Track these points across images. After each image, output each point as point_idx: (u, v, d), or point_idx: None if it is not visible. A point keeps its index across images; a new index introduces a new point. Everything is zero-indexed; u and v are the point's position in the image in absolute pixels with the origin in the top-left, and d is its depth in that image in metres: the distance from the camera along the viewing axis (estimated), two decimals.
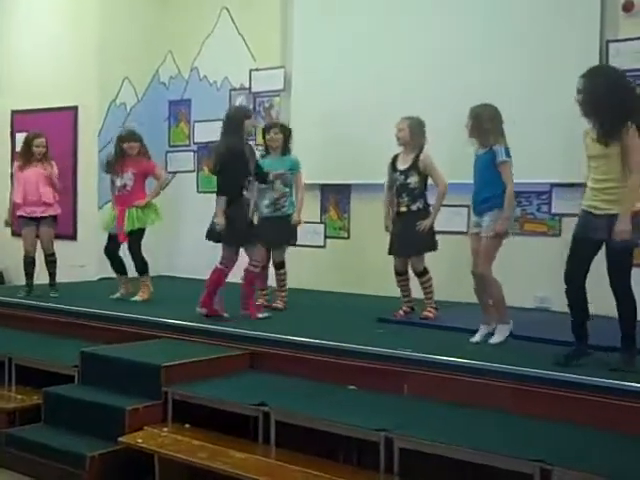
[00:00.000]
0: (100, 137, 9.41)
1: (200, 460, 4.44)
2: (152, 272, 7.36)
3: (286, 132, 7.01)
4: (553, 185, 7.09)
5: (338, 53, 8.29)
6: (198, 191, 9.51)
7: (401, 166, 6.35)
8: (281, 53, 8.88)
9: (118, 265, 7.39)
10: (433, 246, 6.35)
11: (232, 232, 6.20)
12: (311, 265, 8.13)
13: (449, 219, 7.10)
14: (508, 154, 5.35)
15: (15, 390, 5.91)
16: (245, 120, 6.37)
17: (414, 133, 6.31)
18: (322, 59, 8.43)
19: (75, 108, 9.63)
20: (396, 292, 6.53)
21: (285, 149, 6.96)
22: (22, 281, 7.67)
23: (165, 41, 9.72)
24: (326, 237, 8.40)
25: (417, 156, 6.29)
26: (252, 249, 6.34)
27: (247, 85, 9.13)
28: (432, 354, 4.99)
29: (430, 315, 6.33)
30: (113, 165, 7.30)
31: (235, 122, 6.33)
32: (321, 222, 8.50)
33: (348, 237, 8.34)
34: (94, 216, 8.95)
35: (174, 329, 6.10)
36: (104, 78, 9.45)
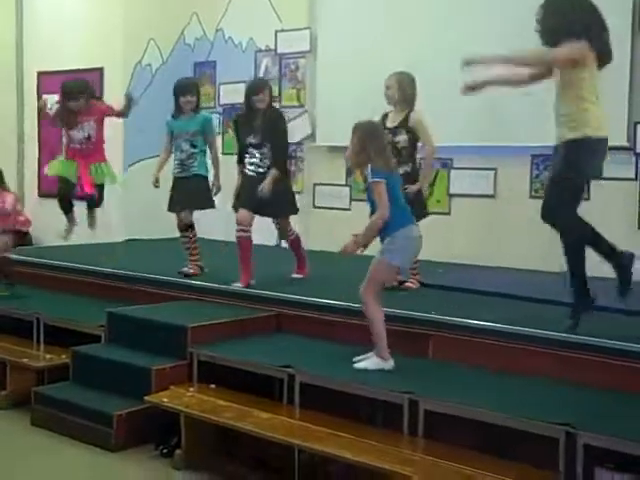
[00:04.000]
0: None
1: (225, 420, 4.48)
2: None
3: (198, 90, 6.72)
4: None
5: (365, 13, 8.19)
6: (223, 153, 9.49)
7: (390, 124, 5.99)
8: (307, 14, 8.78)
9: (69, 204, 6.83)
10: (422, 214, 5.77)
11: None
12: (337, 228, 8.11)
13: (474, 183, 7.07)
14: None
15: (44, 349, 5.99)
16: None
17: (404, 90, 5.98)
18: (349, 20, 8.33)
19: (101, 69, 9.61)
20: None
21: (197, 108, 6.60)
22: (49, 242, 7.68)
23: (190, 2, 9.65)
24: (352, 200, 8.37)
25: (408, 114, 5.96)
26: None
27: (273, 46, 9.06)
28: (459, 317, 4.97)
29: None
30: (66, 117, 6.65)
31: None
32: (347, 185, 8.47)
33: None
34: (120, 178, 8.96)
35: (201, 291, 6.12)
36: (130, 39, 9.42)
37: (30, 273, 7.20)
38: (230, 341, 5.27)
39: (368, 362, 4.66)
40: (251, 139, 6.16)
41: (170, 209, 6.51)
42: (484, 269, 6.91)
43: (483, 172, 7.37)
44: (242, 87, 9.11)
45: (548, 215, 4.52)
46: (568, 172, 4.39)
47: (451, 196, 7.70)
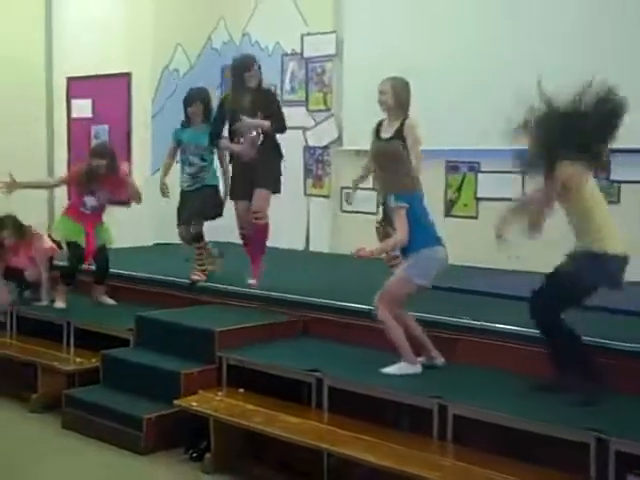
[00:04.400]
0: (154, 103, 9.48)
1: (254, 424, 4.50)
2: (208, 237, 7.34)
3: (206, 100, 6.58)
4: (611, 151, 6.93)
5: (391, 16, 8.18)
6: None
7: (385, 134, 5.74)
8: (333, 18, 8.79)
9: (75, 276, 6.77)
10: None
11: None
12: (364, 232, 8.10)
13: (501, 186, 7.03)
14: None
15: (74, 352, 6.04)
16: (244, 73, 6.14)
17: (399, 95, 5.69)
18: (375, 23, 8.32)
19: (129, 74, 9.69)
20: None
21: (207, 118, 6.47)
22: None
23: (217, 7, 9.68)
24: (379, 204, 8.34)
25: (402, 122, 5.66)
26: None
27: (299, 50, 9.07)
28: (486, 321, 4.97)
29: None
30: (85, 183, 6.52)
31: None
32: (373, 189, 8.44)
33: None
34: (147, 181, 9.03)
35: (229, 295, 6.15)
36: (157, 44, 9.49)
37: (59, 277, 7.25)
38: (258, 345, 5.29)
39: (394, 367, 4.66)
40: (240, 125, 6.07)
41: (182, 223, 6.48)
42: (511, 273, 6.87)
43: (511, 175, 7.30)
44: None
45: (532, 308, 4.37)
46: (566, 279, 4.22)
47: (478, 200, 7.67)
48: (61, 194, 8.31)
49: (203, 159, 6.46)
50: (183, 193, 6.53)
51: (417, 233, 4.63)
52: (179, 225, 6.52)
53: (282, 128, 6.18)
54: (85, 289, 6.83)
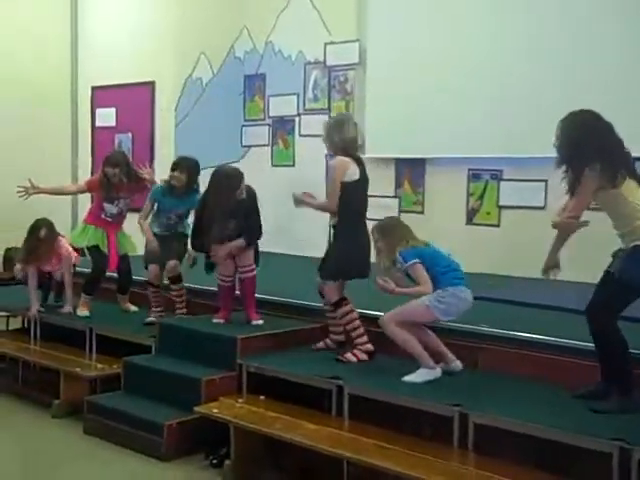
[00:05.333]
0: (177, 111, 9.54)
1: (274, 431, 4.50)
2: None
3: (191, 170, 6.35)
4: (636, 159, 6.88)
5: (415, 25, 8.18)
6: (272, 164, 9.57)
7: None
8: (356, 26, 8.79)
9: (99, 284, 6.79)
10: None
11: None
12: None
13: (524, 194, 7.02)
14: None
15: (96, 359, 6.08)
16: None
17: (330, 137, 5.35)
18: (398, 32, 8.32)
19: (152, 83, 9.76)
20: None
21: (190, 188, 6.32)
22: None
23: (240, 16, 9.72)
24: (400, 211, 8.35)
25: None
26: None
27: (322, 59, 9.10)
28: (508, 329, 4.95)
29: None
30: (103, 191, 6.58)
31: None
32: (395, 196, 8.45)
33: (422, 212, 8.26)
34: None
35: None
36: (180, 53, 9.55)
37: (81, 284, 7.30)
38: (279, 352, 5.30)
39: (414, 374, 4.66)
40: None
41: (151, 262, 6.31)
42: (534, 281, 6.82)
43: (534, 184, 7.29)
44: (291, 99, 9.27)
45: (587, 311, 4.32)
46: (620, 277, 4.17)
47: (501, 208, 7.63)
48: (84, 200, 8.35)
49: (179, 217, 6.39)
50: (156, 236, 6.31)
51: (439, 278, 4.72)
52: (150, 265, 6.36)
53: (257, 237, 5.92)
54: (107, 296, 6.87)
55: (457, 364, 4.82)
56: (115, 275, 6.85)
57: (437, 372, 4.68)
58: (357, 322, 5.21)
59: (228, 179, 5.69)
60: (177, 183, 6.24)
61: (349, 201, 5.20)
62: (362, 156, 5.51)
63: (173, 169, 6.28)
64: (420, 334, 4.77)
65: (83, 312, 6.54)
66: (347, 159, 5.23)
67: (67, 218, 9.96)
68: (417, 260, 4.70)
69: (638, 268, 4.11)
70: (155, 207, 6.37)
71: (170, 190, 6.26)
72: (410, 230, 4.95)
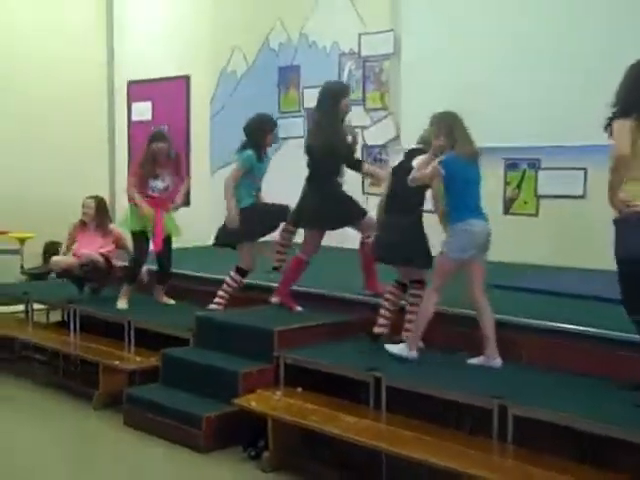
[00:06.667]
0: (212, 104, 9.57)
1: (312, 423, 4.50)
2: (267, 237, 7.26)
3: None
4: None
5: (449, 15, 8.10)
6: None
7: None
8: (390, 16, 8.73)
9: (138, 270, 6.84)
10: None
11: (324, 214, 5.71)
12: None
13: (563, 183, 6.94)
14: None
15: (134, 351, 6.13)
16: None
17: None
18: (433, 21, 8.26)
19: (187, 77, 9.79)
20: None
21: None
22: None
23: (275, 8, 9.71)
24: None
25: None
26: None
27: (356, 50, 9.05)
28: (550, 320, 4.89)
29: None
30: (150, 166, 6.58)
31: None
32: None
33: None
34: (207, 182, 9.13)
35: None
36: (215, 47, 9.57)
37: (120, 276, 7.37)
38: (316, 345, 5.29)
39: (395, 346, 4.85)
40: None
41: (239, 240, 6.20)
42: (572, 271, 6.75)
43: (573, 172, 7.20)
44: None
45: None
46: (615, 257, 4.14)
47: (539, 197, 7.54)
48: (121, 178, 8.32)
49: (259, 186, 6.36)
50: (246, 209, 6.18)
51: (454, 202, 4.72)
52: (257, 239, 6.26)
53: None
54: (145, 288, 6.91)
55: (497, 361, 4.74)
56: (154, 263, 6.78)
57: (412, 354, 4.79)
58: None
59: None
60: (269, 145, 6.27)
61: None
62: (399, 147, 5.49)
63: (271, 131, 6.24)
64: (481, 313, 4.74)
65: (122, 305, 6.59)
66: None
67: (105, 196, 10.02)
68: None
69: (618, 242, 4.11)
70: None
71: (259, 156, 6.17)
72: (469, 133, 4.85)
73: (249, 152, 6.09)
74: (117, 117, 10.73)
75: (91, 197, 7.03)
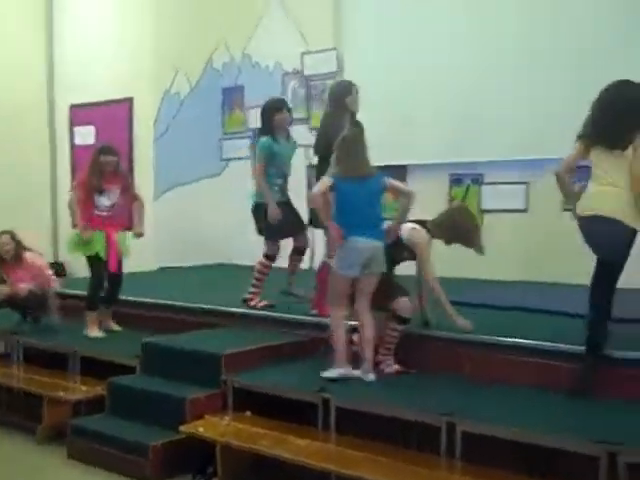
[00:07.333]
0: (156, 127, 9.50)
1: (261, 447, 4.44)
2: (213, 260, 7.27)
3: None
4: None
5: (391, 31, 8.16)
6: (253, 177, 9.49)
7: None
8: (333, 34, 8.77)
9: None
10: None
11: None
12: None
13: (506, 198, 7.01)
14: None
15: (80, 381, 5.99)
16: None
17: None
18: (375, 39, 8.32)
19: (130, 99, 9.71)
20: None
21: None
22: (83, 273, 7.67)
23: (217, 28, 9.67)
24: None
25: None
26: None
27: (299, 69, 9.07)
28: (494, 335, 4.90)
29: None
30: (97, 179, 6.37)
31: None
32: None
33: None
34: (151, 205, 9.02)
35: (235, 317, 6.11)
36: (158, 69, 9.53)
37: (63, 305, 7.22)
38: (264, 367, 5.23)
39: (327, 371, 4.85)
40: None
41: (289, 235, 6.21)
42: (519, 284, 6.81)
43: (515, 186, 7.29)
44: None
45: None
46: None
47: (483, 212, 7.61)
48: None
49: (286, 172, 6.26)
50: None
51: (342, 220, 4.77)
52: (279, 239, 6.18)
53: None
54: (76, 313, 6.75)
55: (371, 376, 4.81)
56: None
57: (339, 372, 4.81)
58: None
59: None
60: (285, 124, 6.14)
61: None
62: None
63: (280, 110, 6.11)
64: (362, 324, 4.82)
65: (95, 333, 6.41)
66: None
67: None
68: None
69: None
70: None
71: (274, 139, 6.05)
72: (357, 153, 4.88)
73: (263, 139, 6.06)
74: (59, 142, 10.59)
75: (4, 232, 6.67)
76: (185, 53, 9.58)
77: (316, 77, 8.94)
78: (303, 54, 9.00)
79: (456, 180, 7.80)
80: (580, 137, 4.39)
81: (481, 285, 6.91)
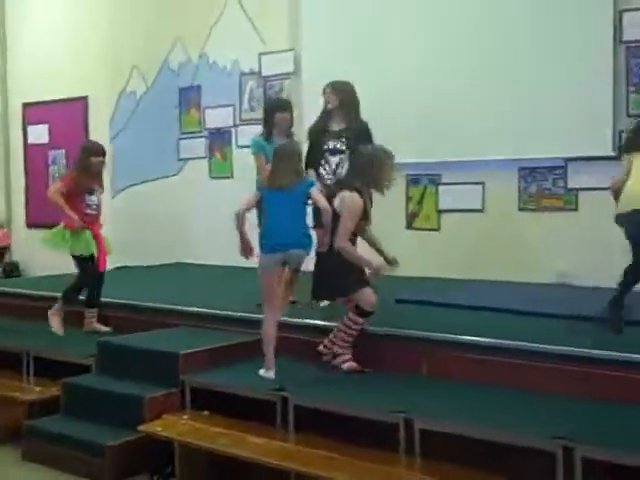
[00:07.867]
0: (111, 126, 9.40)
1: (220, 447, 4.42)
2: (168, 259, 7.25)
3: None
4: (567, 160, 6.95)
5: (349, 32, 8.19)
6: (210, 177, 9.47)
7: None
8: (290, 35, 8.77)
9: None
10: None
11: None
12: None
13: (459, 198, 7.09)
14: None
15: (34, 382, 5.90)
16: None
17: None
18: (333, 39, 8.31)
19: (85, 98, 9.61)
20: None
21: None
22: (36, 273, 7.58)
23: (173, 28, 9.62)
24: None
25: None
26: None
27: (257, 69, 9.05)
28: (451, 333, 4.95)
29: None
30: (86, 179, 6.29)
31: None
32: None
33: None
34: (108, 205, 8.93)
35: (192, 316, 6.07)
36: (113, 67, 9.46)
37: (16, 304, 7.13)
38: (222, 367, 5.21)
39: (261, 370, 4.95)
40: None
41: None
42: (476, 283, 6.87)
43: (471, 187, 7.36)
44: (227, 111, 9.15)
45: None
46: None
47: (440, 212, 7.67)
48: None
49: None
50: None
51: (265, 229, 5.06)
52: None
53: None
54: (42, 316, 6.66)
55: (270, 374, 4.92)
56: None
57: (269, 375, 4.92)
58: None
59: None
60: (285, 124, 6.09)
61: None
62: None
63: (282, 110, 6.10)
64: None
65: (57, 327, 6.29)
66: None
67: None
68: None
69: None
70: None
71: (267, 138, 6.01)
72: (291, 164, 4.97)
73: (255, 137, 6.12)
74: (12, 141, 10.43)
75: None
76: (141, 52, 9.52)
77: (274, 77, 8.93)
78: (261, 54, 8.98)
79: (413, 180, 7.85)
80: (627, 151, 5.02)
81: (440, 283, 6.95)
